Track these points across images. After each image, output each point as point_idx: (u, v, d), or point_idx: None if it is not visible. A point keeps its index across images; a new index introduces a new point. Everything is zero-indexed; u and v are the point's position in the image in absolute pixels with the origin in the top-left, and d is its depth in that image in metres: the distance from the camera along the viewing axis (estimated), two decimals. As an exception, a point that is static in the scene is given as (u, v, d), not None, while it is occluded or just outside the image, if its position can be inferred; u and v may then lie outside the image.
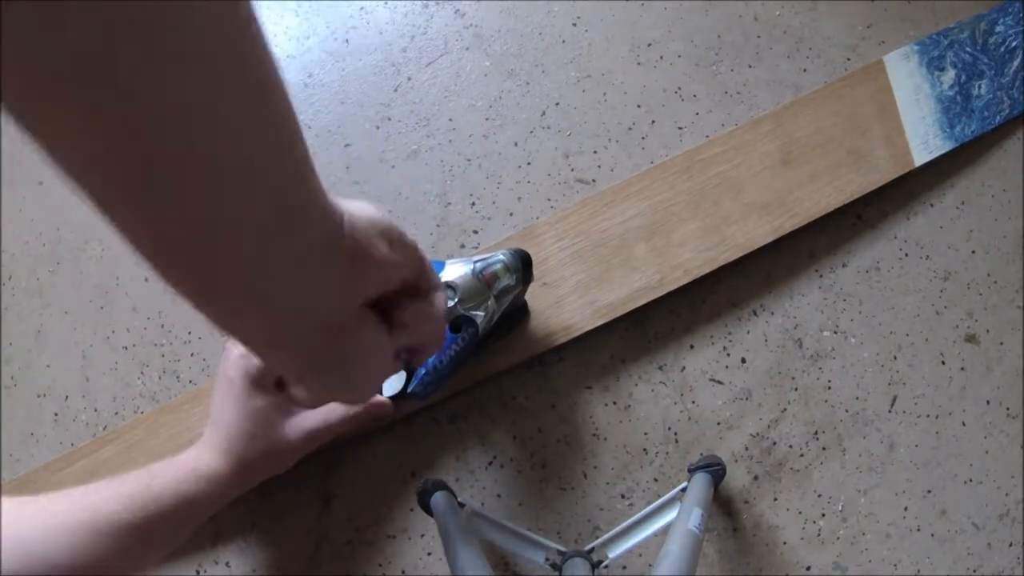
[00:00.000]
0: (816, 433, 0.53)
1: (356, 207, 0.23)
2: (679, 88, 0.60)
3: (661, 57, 0.61)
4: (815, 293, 0.56)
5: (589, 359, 0.54)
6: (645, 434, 0.53)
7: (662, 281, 0.52)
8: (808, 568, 0.51)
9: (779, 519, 0.51)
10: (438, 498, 0.45)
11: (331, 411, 0.43)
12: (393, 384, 0.45)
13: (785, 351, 0.55)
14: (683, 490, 0.45)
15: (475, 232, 0.57)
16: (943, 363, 0.55)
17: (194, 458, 0.40)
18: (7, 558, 0.31)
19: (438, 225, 0.58)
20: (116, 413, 0.57)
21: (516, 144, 0.59)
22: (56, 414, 0.58)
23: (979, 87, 0.58)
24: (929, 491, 0.52)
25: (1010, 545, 0.51)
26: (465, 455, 0.52)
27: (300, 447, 0.42)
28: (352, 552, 0.51)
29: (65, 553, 0.33)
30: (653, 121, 0.59)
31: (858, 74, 0.57)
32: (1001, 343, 0.55)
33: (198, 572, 0.51)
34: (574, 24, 0.63)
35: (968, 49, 0.58)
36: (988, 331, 0.55)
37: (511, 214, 0.58)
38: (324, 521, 0.51)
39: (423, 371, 0.42)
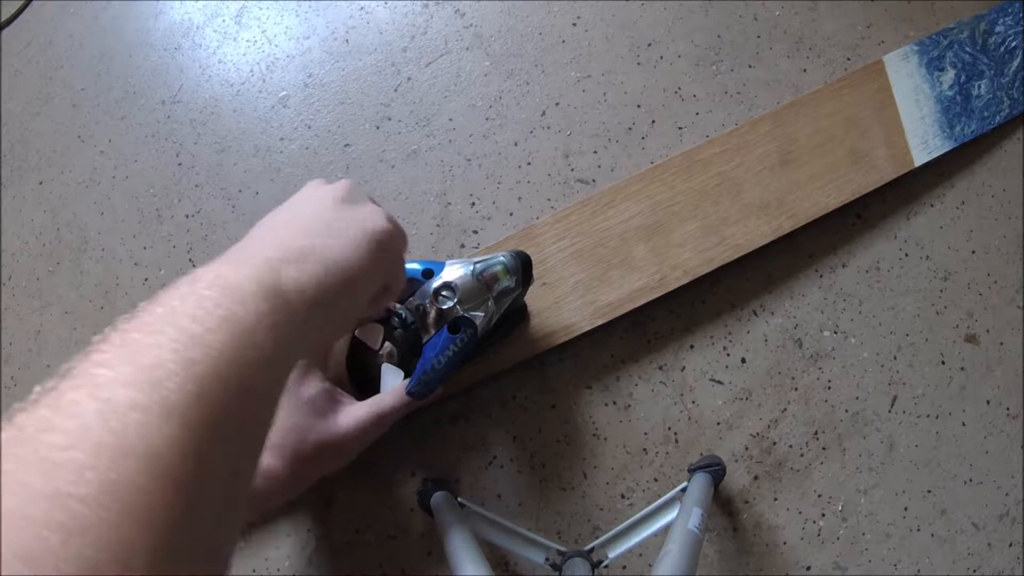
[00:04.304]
0: (816, 433, 0.53)
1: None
2: (679, 88, 0.60)
3: (661, 57, 0.61)
4: (815, 293, 0.56)
5: (589, 359, 0.54)
6: (645, 434, 0.53)
7: (662, 281, 0.52)
8: (808, 568, 0.51)
9: (779, 519, 0.51)
10: (438, 498, 0.45)
11: (379, 401, 0.42)
12: (393, 384, 0.45)
13: (785, 351, 0.55)
14: (683, 490, 0.45)
15: (475, 232, 0.57)
16: (943, 363, 0.55)
17: None
18: None
19: (438, 225, 0.58)
20: (116, 413, 0.57)
21: (516, 144, 0.59)
22: (56, 414, 0.58)
23: (979, 87, 0.58)
24: (929, 491, 0.52)
25: (1010, 545, 0.51)
26: (465, 455, 0.52)
27: (356, 439, 0.40)
28: (352, 552, 0.51)
29: None
30: (653, 121, 0.59)
31: (858, 74, 0.57)
32: (1001, 343, 0.55)
33: (198, 572, 0.51)
34: (574, 24, 0.63)
35: (968, 49, 0.58)
36: (988, 331, 0.55)
37: (511, 214, 0.58)
38: (324, 521, 0.51)
39: (421, 371, 0.42)
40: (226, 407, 0.19)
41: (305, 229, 0.29)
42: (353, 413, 0.41)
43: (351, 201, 0.33)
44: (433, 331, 0.42)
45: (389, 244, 0.32)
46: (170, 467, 0.16)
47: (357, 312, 0.31)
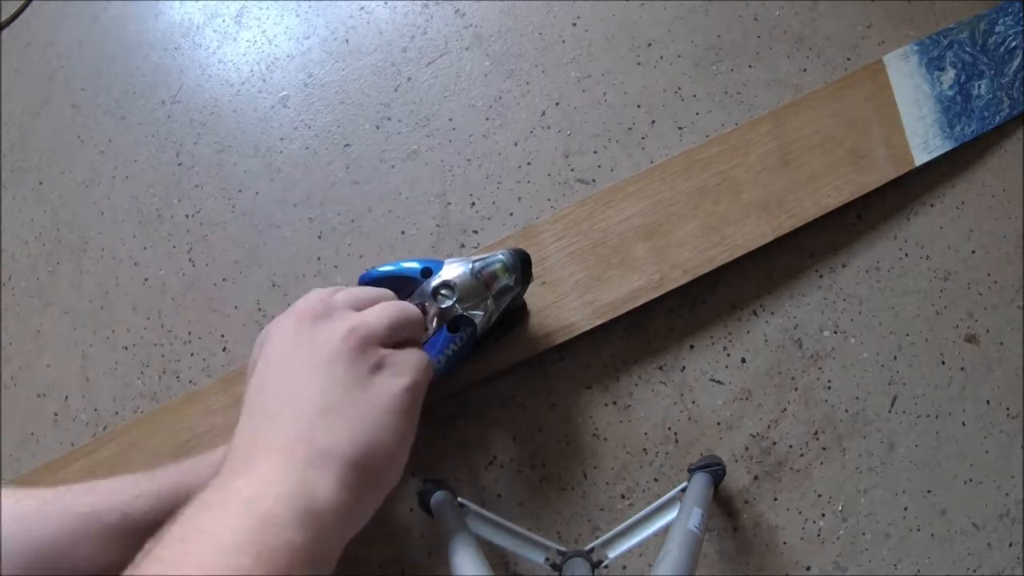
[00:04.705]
0: (816, 433, 0.53)
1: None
2: (679, 88, 0.60)
3: (661, 57, 0.61)
4: (815, 293, 0.56)
5: (589, 359, 0.54)
6: (645, 434, 0.53)
7: (662, 281, 0.52)
8: (808, 568, 0.51)
9: (779, 519, 0.51)
10: (438, 498, 0.45)
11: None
12: None
13: (785, 351, 0.55)
14: (683, 490, 0.45)
15: (475, 232, 0.58)
16: (943, 363, 0.55)
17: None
18: (28, 561, 0.30)
19: (438, 225, 0.58)
20: (116, 413, 0.57)
21: (516, 144, 0.59)
22: (56, 414, 0.58)
23: (979, 87, 0.58)
24: (929, 491, 0.52)
25: (1010, 545, 0.51)
26: (465, 455, 0.52)
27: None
28: (352, 552, 0.51)
29: (88, 559, 0.32)
30: (653, 121, 0.59)
31: (858, 74, 0.57)
32: (1001, 343, 0.55)
33: (198, 572, 0.51)
34: (574, 24, 0.63)
35: (968, 49, 0.58)
36: (988, 331, 0.55)
37: (511, 214, 0.58)
38: (324, 521, 0.51)
39: None
40: None
41: (325, 406, 0.26)
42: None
43: (368, 356, 0.29)
44: (432, 330, 0.42)
45: (421, 394, 0.30)
46: None
47: (396, 478, 0.29)
